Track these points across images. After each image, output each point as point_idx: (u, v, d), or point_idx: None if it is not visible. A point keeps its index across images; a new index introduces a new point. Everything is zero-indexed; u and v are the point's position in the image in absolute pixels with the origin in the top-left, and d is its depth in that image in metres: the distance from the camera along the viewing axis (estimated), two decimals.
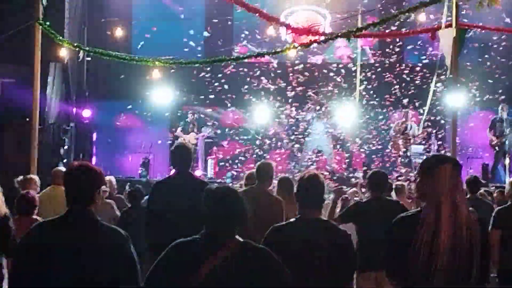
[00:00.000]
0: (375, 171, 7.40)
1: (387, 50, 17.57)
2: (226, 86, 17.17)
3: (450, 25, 10.62)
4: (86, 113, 16.85)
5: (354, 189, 10.44)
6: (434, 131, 16.85)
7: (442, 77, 14.24)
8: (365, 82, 16.78)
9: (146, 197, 8.66)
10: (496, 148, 15.36)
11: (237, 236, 3.39)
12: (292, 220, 4.30)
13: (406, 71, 17.41)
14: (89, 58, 15.34)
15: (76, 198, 3.68)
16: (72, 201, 3.69)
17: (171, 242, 3.48)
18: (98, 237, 3.62)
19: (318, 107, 15.50)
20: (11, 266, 3.81)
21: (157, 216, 5.79)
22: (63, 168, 9.27)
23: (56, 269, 3.53)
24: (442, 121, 17.17)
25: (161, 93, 15.81)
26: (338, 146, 16.82)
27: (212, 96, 17.34)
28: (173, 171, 15.67)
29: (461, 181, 3.66)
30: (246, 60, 13.98)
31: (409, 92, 17.09)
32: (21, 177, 8.73)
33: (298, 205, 4.28)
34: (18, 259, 3.70)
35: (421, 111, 15.45)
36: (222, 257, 3.26)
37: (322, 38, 11.55)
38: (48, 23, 11.88)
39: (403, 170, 15.65)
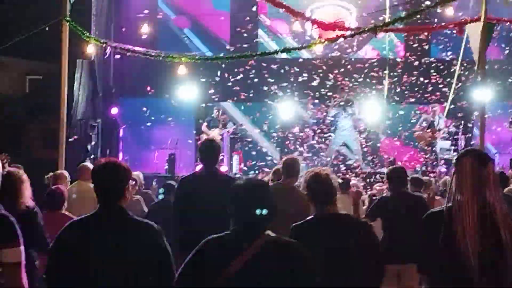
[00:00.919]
0: (394, 166, 7.48)
1: (414, 45, 17.44)
2: (251, 81, 17.16)
3: (477, 19, 10.51)
4: (114, 110, 16.96)
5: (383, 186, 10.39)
6: (461, 126, 16.68)
7: (467, 72, 14.13)
8: (393, 77, 16.66)
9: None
10: None
11: (268, 231, 3.36)
12: (309, 218, 4.30)
13: (433, 66, 17.26)
14: (118, 56, 15.39)
15: (107, 195, 3.72)
16: (103, 197, 3.73)
17: (197, 238, 3.49)
18: (132, 232, 3.66)
19: (344, 102, 15.42)
20: (46, 263, 3.83)
21: (183, 212, 5.80)
22: (89, 164, 9.35)
23: (92, 266, 3.57)
24: (470, 116, 17.00)
25: (187, 89, 15.85)
26: (365, 142, 16.71)
27: (237, 90, 17.32)
28: (199, 166, 15.76)
29: (491, 175, 3.52)
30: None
31: (436, 87, 16.95)
32: (51, 173, 8.81)
33: (312, 204, 4.31)
34: (53, 256, 3.74)
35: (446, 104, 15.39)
36: (253, 253, 3.24)
37: (348, 33, 11.50)
38: (75, 20, 11.97)
39: (429, 166, 15.56)
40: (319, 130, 16.80)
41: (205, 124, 16.62)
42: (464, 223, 3.42)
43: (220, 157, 6.27)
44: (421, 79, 17.13)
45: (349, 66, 17.50)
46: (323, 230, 4.10)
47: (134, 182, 8.51)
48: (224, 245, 3.34)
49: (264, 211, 3.32)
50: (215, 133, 16.20)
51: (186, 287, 3.40)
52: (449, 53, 17.38)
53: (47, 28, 11.98)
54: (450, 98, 14.13)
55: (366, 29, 10.82)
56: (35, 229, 5.28)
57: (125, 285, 3.58)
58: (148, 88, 17.22)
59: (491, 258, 3.39)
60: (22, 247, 3.68)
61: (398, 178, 6.89)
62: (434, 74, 17.09)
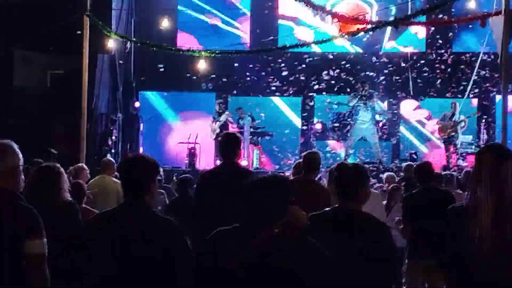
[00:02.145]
0: (420, 162, 7.43)
1: (436, 38, 17.34)
2: (269, 74, 17.15)
3: (501, 12, 10.41)
4: (137, 104, 17.05)
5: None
6: (483, 120, 16.56)
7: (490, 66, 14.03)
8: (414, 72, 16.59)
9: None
10: None
11: (274, 228, 3.26)
12: (326, 210, 4.21)
13: (455, 60, 17.15)
14: (139, 53, 15.46)
15: (133, 189, 3.71)
16: (129, 192, 3.72)
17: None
18: (154, 228, 3.65)
19: (366, 96, 15.34)
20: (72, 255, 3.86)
21: (203, 208, 5.79)
22: (111, 159, 9.40)
23: (114, 260, 3.59)
24: (492, 110, 16.87)
25: (207, 83, 15.87)
26: (384, 136, 16.65)
27: (256, 84, 17.31)
28: (219, 161, 15.75)
29: (511, 171, 3.43)
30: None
31: (458, 81, 16.83)
32: (72, 167, 8.87)
33: (337, 196, 4.20)
34: (77, 250, 3.76)
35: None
36: (255, 248, 3.19)
37: (369, 26, 11.44)
38: (96, 15, 12.02)
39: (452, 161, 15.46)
40: (338, 124, 16.76)
41: (211, 120, 16.50)
42: (481, 219, 3.38)
43: (241, 151, 6.20)
44: (443, 72, 16.99)
45: (373, 60, 17.43)
46: (335, 226, 4.00)
47: (160, 177, 8.54)
48: (230, 239, 3.30)
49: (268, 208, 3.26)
50: (216, 126, 16.12)
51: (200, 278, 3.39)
52: (471, 45, 17.26)
53: (68, 23, 12.04)
54: (467, 93, 14.05)
55: (387, 22, 10.77)
56: (77, 225, 5.25)
57: (146, 280, 3.59)
58: (169, 82, 17.27)
59: (508, 255, 3.34)
60: (45, 239, 3.70)
61: (424, 174, 6.88)
62: (457, 67, 16.94)
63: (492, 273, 3.35)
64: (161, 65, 16.71)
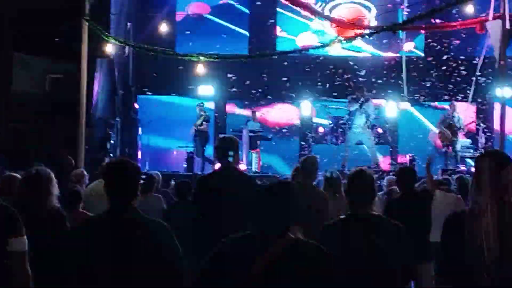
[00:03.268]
0: (401, 167, 7.47)
1: (434, 43, 17.37)
2: (267, 79, 17.17)
3: (499, 17, 10.45)
4: (136, 106, 17.09)
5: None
6: (481, 124, 16.58)
7: (489, 70, 14.04)
8: (414, 75, 16.60)
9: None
10: None
11: (289, 233, 3.28)
12: (343, 216, 4.24)
13: (452, 64, 17.18)
14: (137, 57, 15.47)
15: (117, 194, 3.72)
16: (113, 197, 3.74)
17: (216, 237, 3.47)
18: (140, 231, 3.66)
19: (361, 101, 15.36)
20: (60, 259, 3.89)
21: (202, 212, 5.79)
22: None
23: (99, 264, 3.59)
24: (490, 114, 16.90)
25: (206, 87, 15.87)
26: (381, 141, 16.65)
27: (254, 90, 17.33)
28: (218, 165, 15.73)
29: (509, 176, 3.43)
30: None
31: (456, 85, 16.86)
32: (72, 173, 8.87)
33: (349, 201, 4.22)
34: (64, 253, 3.80)
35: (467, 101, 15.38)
36: (275, 255, 3.18)
37: (367, 31, 11.47)
38: (94, 19, 12.05)
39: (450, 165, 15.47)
40: (338, 128, 16.78)
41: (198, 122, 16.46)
42: (484, 226, 3.39)
43: (239, 154, 6.18)
44: (441, 77, 17.02)
45: (368, 64, 17.46)
46: (354, 231, 4.03)
47: (142, 181, 8.51)
48: (245, 247, 3.27)
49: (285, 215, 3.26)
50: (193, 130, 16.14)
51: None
52: (468, 50, 17.30)
53: (67, 27, 12.07)
54: (470, 99, 14.08)
55: (385, 27, 10.80)
56: (64, 230, 5.27)
57: (134, 284, 3.59)
58: (167, 87, 17.29)
59: (510, 262, 3.36)
60: (25, 237, 3.78)
61: (406, 177, 6.93)
62: (454, 72, 16.97)
63: (495, 279, 3.36)
64: (158, 71, 16.72)
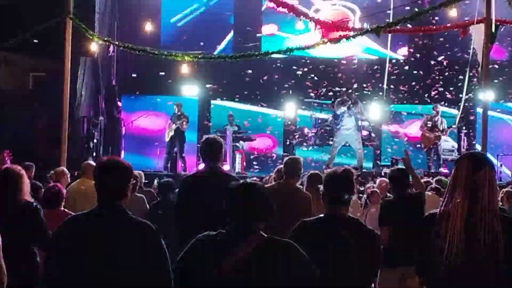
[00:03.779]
0: (393, 169, 7.43)
1: (417, 45, 17.46)
2: (251, 80, 17.17)
3: (482, 21, 10.51)
4: (119, 104, 17.02)
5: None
6: (463, 127, 16.68)
7: (473, 74, 14.12)
8: (394, 77, 16.66)
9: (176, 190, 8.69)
10: None
11: (261, 232, 3.36)
12: (319, 216, 4.25)
13: (436, 66, 17.28)
14: (121, 56, 15.41)
15: (107, 193, 3.71)
16: (103, 196, 3.72)
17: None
18: (128, 231, 3.65)
19: (349, 102, 15.41)
20: (45, 258, 3.88)
21: (186, 212, 5.78)
22: (92, 162, 9.36)
23: (87, 262, 3.58)
24: (472, 117, 17.01)
25: (190, 87, 15.86)
26: (365, 142, 16.71)
27: (240, 90, 17.33)
28: (201, 165, 15.68)
29: (487, 179, 3.50)
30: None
31: (440, 87, 16.96)
32: (52, 171, 8.83)
33: (326, 202, 4.22)
34: (51, 251, 3.78)
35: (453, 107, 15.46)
36: (244, 253, 3.25)
37: (352, 33, 11.50)
38: (79, 18, 11.99)
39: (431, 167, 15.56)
40: (322, 130, 16.84)
41: (169, 122, 16.34)
42: (453, 225, 3.43)
43: (223, 155, 6.16)
44: (424, 79, 17.11)
45: (354, 67, 17.52)
46: (329, 231, 4.04)
47: (134, 181, 8.48)
48: (216, 243, 3.34)
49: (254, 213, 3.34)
50: (171, 130, 16.03)
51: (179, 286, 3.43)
52: (450, 53, 17.40)
53: (51, 26, 12.00)
54: (462, 107, 14.16)
55: (369, 29, 10.83)
56: (38, 225, 5.31)
57: (120, 284, 3.58)
58: (151, 86, 17.25)
59: (479, 261, 3.39)
60: None
61: (397, 181, 6.88)
62: (437, 74, 17.07)
63: (464, 279, 3.40)
64: (142, 70, 16.68)
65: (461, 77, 14.88)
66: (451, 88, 16.75)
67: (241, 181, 3.60)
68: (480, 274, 3.39)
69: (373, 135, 16.92)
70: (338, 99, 15.72)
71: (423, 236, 3.60)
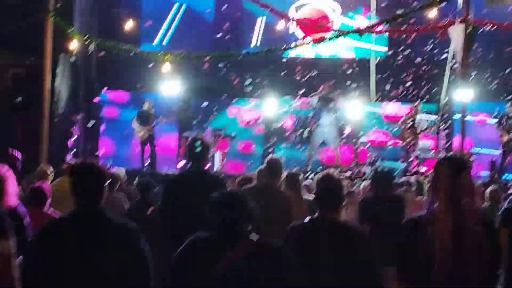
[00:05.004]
0: (379, 170, 7.42)
1: (397, 45, 17.54)
2: (232, 76, 17.16)
3: (461, 22, 10.63)
4: (98, 102, 16.95)
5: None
6: (442, 126, 16.79)
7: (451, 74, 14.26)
8: (378, 76, 16.73)
9: (156, 188, 8.66)
10: (506, 145, 15.24)
11: (252, 235, 3.40)
12: (310, 219, 4.24)
13: (415, 65, 17.36)
14: (101, 53, 15.33)
15: (83, 197, 3.74)
16: (80, 199, 3.75)
17: (185, 238, 3.53)
18: (108, 234, 3.67)
19: (327, 99, 15.45)
20: (21, 262, 3.88)
21: (171, 213, 5.78)
22: (74, 161, 9.33)
23: (66, 266, 3.59)
24: (450, 117, 17.13)
25: (170, 85, 15.80)
26: (344, 140, 16.75)
27: (220, 86, 17.29)
28: (181, 163, 15.59)
29: (466, 184, 3.55)
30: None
31: (419, 86, 17.06)
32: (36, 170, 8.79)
33: (318, 206, 4.24)
34: (28, 255, 3.76)
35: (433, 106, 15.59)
36: (236, 257, 3.28)
37: (333, 34, 11.56)
38: (59, 15, 11.93)
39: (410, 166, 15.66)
40: (301, 129, 16.88)
41: (134, 119, 15.98)
42: (439, 230, 3.47)
43: (208, 155, 6.17)
44: (404, 78, 17.18)
45: (332, 65, 17.55)
46: (321, 235, 4.05)
47: (110, 180, 8.42)
48: (207, 247, 3.38)
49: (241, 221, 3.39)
50: (144, 129, 15.88)
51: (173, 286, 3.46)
52: (431, 53, 17.51)
53: (31, 22, 11.93)
54: (442, 105, 14.31)
55: (350, 31, 10.90)
56: (21, 232, 5.19)
57: (102, 286, 3.60)
58: (131, 84, 17.19)
59: (465, 266, 3.44)
60: (12, 240, 3.78)
61: (382, 182, 6.89)
62: (417, 74, 17.15)
63: (451, 283, 3.45)
64: (122, 67, 16.60)
65: (440, 77, 15.04)
66: (429, 88, 16.82)
67: (224, 192, 3.62)
68: (467, 278, 3.44)
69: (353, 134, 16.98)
70: (317, 96, 15.72)
71: (405, 239, 3.63)
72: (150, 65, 14.64)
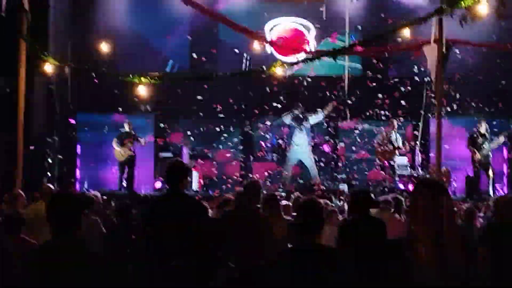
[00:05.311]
0: (357, 190, 7.38)
1: (371, 63, 17.65)
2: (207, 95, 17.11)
3: (435, 41, 10.75)
4: (74, 123, 16.86)
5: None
6: (418, 143, 16.89)
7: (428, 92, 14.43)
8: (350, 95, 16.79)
9: (134, 211, 8.61)
10: (478, 163, 15.39)
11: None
12: (294, 246, 4.26)
13: (391, 84, 17.47)
14: (77, 76, 15.29)
15: (59, 226, 3.79)
16: (58, 230, 3.80)
17: (166, 261, 3.56)
18: (85, 262, 3.73)
19: (299, 118, 15.50)
20: None
21: (152, 236, 5.74)
22: (51, 185, 9.26)
23: None
24: (426, 133, 17.26)
25: (145, 106, 15.78)
26: (320, 158, 16.78)
27: (195, 108, 17.22)
28: (158, 184, 15.55)
29: (445, 207, 3.56)
30: None
31: (393, 105, 17.15)
32: (6, 195, 8.69)
33: (297, 230, 4.22)
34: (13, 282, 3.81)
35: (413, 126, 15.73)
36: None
37: (309, 56, 11.61)
38: (33, 38, 11.85)
39: (386, 183, 15.74)
40: (277, 147, 16.89)
41: (114, 140, 16.22)
42: (421, 254, 3.49)
43: (188, 179, 6.16)
44: (378, 96, 17.27)
45: (304, 83, 17.55)
46: (302, 263, 4.05)
47: (87, 211, 8.39)
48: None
49: None
50: (124, 150, 15.93)
51: None
52: (404, 71, 17.66)
53: (6, 44, 11.85)
54: (421, 126, 14.46)
55: (326, 52, 10.95)
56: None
57: None
58: (107, 105, 17.10)
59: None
60: None
61: (361, 203, 6.85)
62: (391, 92, 17.24)
63: None
64: (97, 88, 16.50)
65: (415, 94, 15.19)
66: (406, 105, 16.91)
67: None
68: None
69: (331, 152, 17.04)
70: (288, 114, 15.75)
71: (386, 262, 3.64)
72: (126, 86, 14.54)
